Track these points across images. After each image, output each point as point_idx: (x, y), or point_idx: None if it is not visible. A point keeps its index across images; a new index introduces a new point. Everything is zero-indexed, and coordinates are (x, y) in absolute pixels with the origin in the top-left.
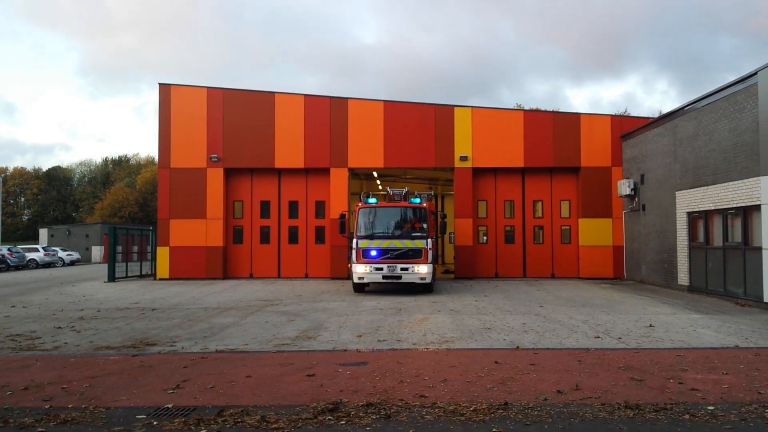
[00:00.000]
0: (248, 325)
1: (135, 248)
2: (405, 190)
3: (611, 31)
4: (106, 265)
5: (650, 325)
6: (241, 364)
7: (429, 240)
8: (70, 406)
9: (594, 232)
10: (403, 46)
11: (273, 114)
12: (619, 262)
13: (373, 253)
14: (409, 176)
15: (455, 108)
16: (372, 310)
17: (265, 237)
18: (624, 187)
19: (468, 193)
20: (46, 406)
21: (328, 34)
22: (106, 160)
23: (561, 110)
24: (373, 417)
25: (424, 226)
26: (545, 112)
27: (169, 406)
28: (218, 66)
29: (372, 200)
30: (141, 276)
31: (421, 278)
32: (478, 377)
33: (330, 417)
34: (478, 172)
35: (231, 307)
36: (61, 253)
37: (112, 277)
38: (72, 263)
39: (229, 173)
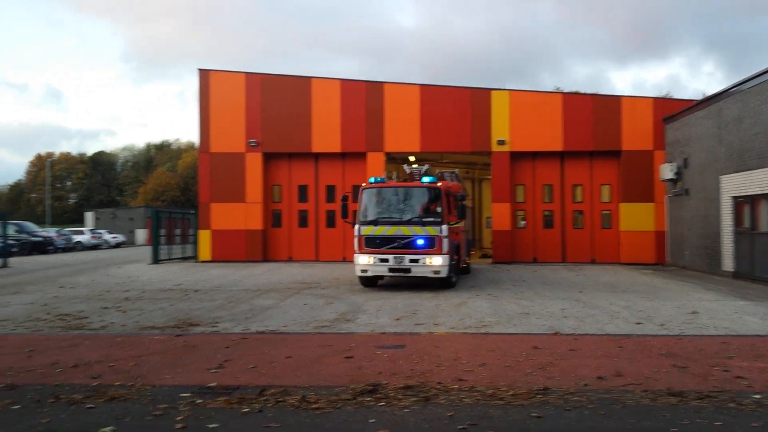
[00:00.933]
0: (288, 307)
1: (177, 231)
2: (425, 167)
3: (655, 12)
4: (149, 248)
5: (694, 312)
6: (281, 345)
7: (444, 226)
8: (117, 383)
9: (635, 217)
10: (441, 29)
11: (310, 99)
12: (661, 248)
13: (378, 241)
14: (446, 160)
15: (492, 91)
16: (409, 294)
17: (303, 221)
18: (666, 171)
19: (506, 178)
20: (95, 384)
21: (365, 19)
22: (148, 145)
23: (603, 93)
24: (412, 399)
25: (438, 209)
26: (585, 95)
27: (213, 384)
28: (256, 52)
29: (377, 179)
30: (183, 258)
31: (435, 271)
32: (517, 362)
33: (369, 398)
34: (516, 156)
35: (271, 289)
36: (107, 236)
37: (155, 260)
38: (117, 246)
39: (268, 158)
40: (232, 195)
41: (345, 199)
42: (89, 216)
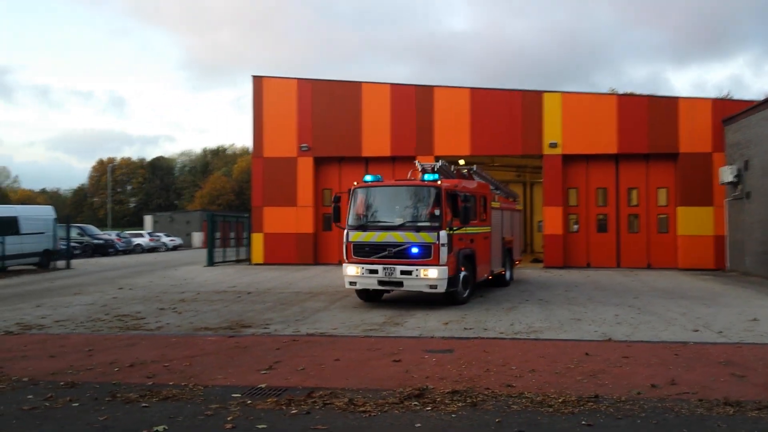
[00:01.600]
0: (337, 309)
1: (232, 234)
2: (438, 164)
3: (716, 10)
4: (205, 250)
5: (754, 319)
6: (330, 348)
7: (442, 233)
8: (171, 383)
9: (693, 221)
10: (494, 32)
11: (360, 103)
12: (720, 253)
13: (367, 249)
14: (497, 164)
15: (544, 94)
16: None
17: None
18: (726, 174)
19: (558, 181)
20: (149, 383)
21: (417, 23)
22: (205, 151)
23: (661, 94)
24: (459, 404)
25: (437, 212)
26: (640, 96)
27: (263, 386)
28: (309, 58)
29: (370, 178)
30: (237, 261)
31: (430, 285)
32: (568, 369)
33: (416, 402)
34: (569, 159)
35: (321, 292)
36: (165, 239)
37: (210, 262)
38: (174, 248)
39: (319, 162)
40: (284, 199)
41: (337, 200)
42: (148, 219)
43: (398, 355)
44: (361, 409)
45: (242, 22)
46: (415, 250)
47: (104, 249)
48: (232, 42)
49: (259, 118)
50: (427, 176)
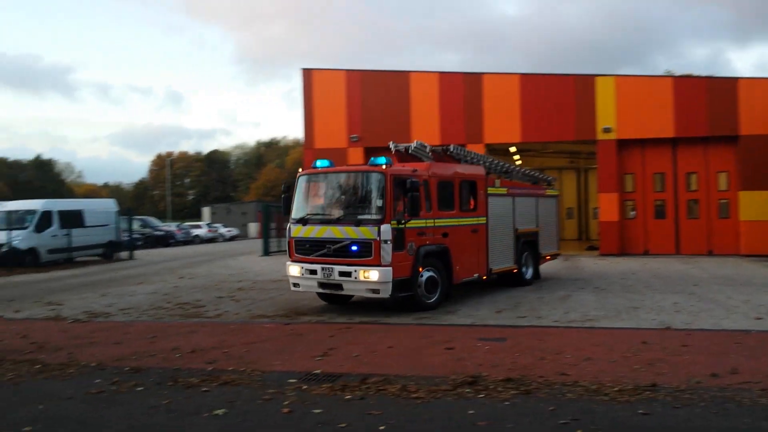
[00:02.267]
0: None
1: (286, 225)
2: (413, 145)
3: None
4: (260, 240)
5: None
6: (383, 335)
7: (385, 227)
8: (230, 368)
9: (757, 206)
10: (546, 16)
11: (408, 93)
12: None
13: (307, 246)
14: (550, 150)
15: (597, 78)
16: (510, 286)
17: None
18: None
19: (612, 167)
20: (210, 369)
21: (467, 9)
22: (258, 143)
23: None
24: (513, 392)
25: (379, 203)
26: (697, 77)
27: (318, 371)
28: (358, 49)
29: (319, 163)
30: None
31: (372, 290)
32: (624, 357)
33: (469, 390)
34: (624, 144)
35: None
36: (222, 230)
37: (266, 252)
38: (231, 239)
39: (369, 152)
40: None
41: (286, 189)
42: (206, 211)
43: (451, 343)
44: (414, 395)
45: (293, 16)
46: (354, 247)
47: (165, 240)
48: (284, 35)
49: (309, 110)
50: (375, 160)
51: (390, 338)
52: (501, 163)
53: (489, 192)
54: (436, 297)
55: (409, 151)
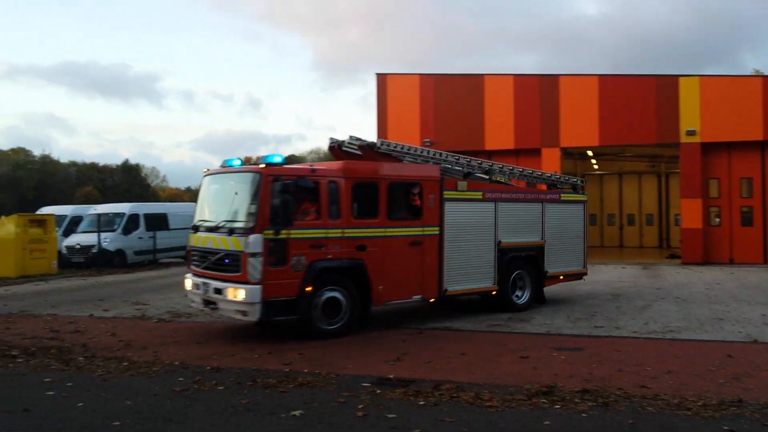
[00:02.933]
0: (459, 303)
1: None
2: (346, 139)
3: None
4: None
5: None
6: (455, 342)
7: (254, 237)
8: (305, 370)
9: None
10: (628, 14)
11: (482, 96)
12: None
13: (195, 256)
14: (628, 154)
15: (680, 78)
16: (586, 295)
17: None
18: None
19: (696, 171)
20: (286, 370)
21: (545, 10)
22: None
23: None
24: (590, 404)
25: (252, 210)
26: None
27: (390, 376)
28: (433, 52)
29: (228, 162)
30: None
31: (241, 312)
32: (708, 371)
33: (544, 400)
34: (708, 148)
35: None
36: None
37: None
38: None
39: None
40: None
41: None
42: None
43: (525, 352)
44: (488, 403)
45: (368, 21)
46: (227, 260)
47: None
48: (359, 41)
49: (383, 114)
50: (265, 158)
51: (462, 345)
52: (479, 163)
53: (446, 196)
54: (340, 323)
55: (342, 147)
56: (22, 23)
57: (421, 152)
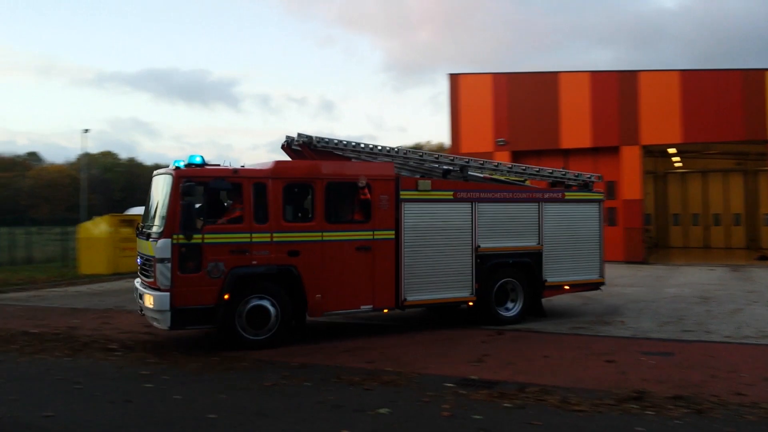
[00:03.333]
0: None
1: None
2: (289, 139)
3: None
4: None
5: None
6: (537, 344)
7: (163, 242)
8: (388, 369)
9: None
10: (709, 6)
11: (557, 94)
12: None
13: (138, 260)
14: (713, 151)
15: (767, 72)
16: (673, 297)
17: None
18: None
19: None
20: (370, 368)
21: (621, 4)
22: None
23: None
24: (683, 411)
25: (163, 214)
26: None
27: (474, 377)
28: (506, 50)
29: (180, 163)
30: None
31: (155, 319)
32: None
33: (634, 405)
34: None
35: None
36: None
37: None
38: None
39: (516, 156)
40: None
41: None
42: None
43: (611, 356)
44: (576, 407)
45: (439, 21)
46: (146, 265)
47: None
48: (430, 41)
49: (455, 114)
50: (189, 158)
51: (545, 347)
52: (449, 158)
53: (404, 197)
54: (269, 334)
55: (291, 146)
56: (109, 33)
57: (372, 149)
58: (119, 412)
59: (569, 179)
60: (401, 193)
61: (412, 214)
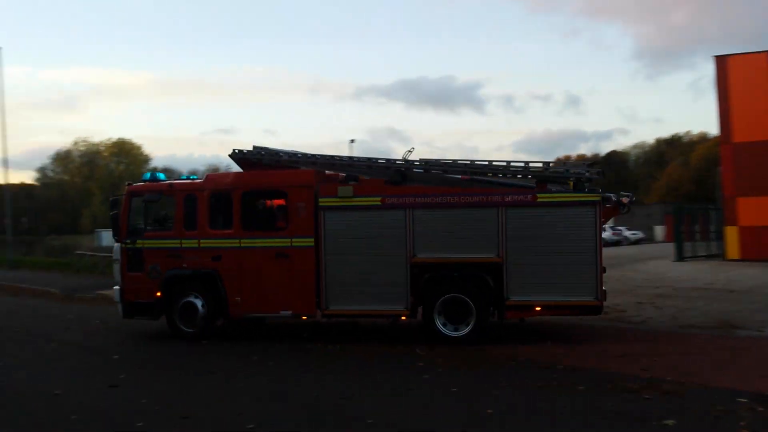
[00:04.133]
0: None
1: (696, 227)
2: (240, 150)
3: None
4: (668, 244)
5: None
6: None
7: (116, 246)
8: (668, 378)
9: None
10: None
11: None
12: None
13: None
14: None
15: None
16: None
17: None
18: None
19: None
20: (646, 376)
21: None
22: (658, 141)
23: None
24: None
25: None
26: None
27: None
28: None
29: (147, 176)
30: (708, 256)
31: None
32: None
33: None
34: None
35: None
36: (626, 232)
37: (679, 257)
38: (636, 242)
39: None
40: (762, 188)
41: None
42: None
43: None
44: None
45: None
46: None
47: None
48: (688, 22)
49: (724, 100)
50: (144, 176)
51: None
52: (392, 161)
53: (323, 204)
54: (196, 328)
55: (235, 158)
56: (365, 49)
57: (312, 157)
58: (393, 402)
59: (558, 176)
60: (320, 200)
61: (334, 222)
